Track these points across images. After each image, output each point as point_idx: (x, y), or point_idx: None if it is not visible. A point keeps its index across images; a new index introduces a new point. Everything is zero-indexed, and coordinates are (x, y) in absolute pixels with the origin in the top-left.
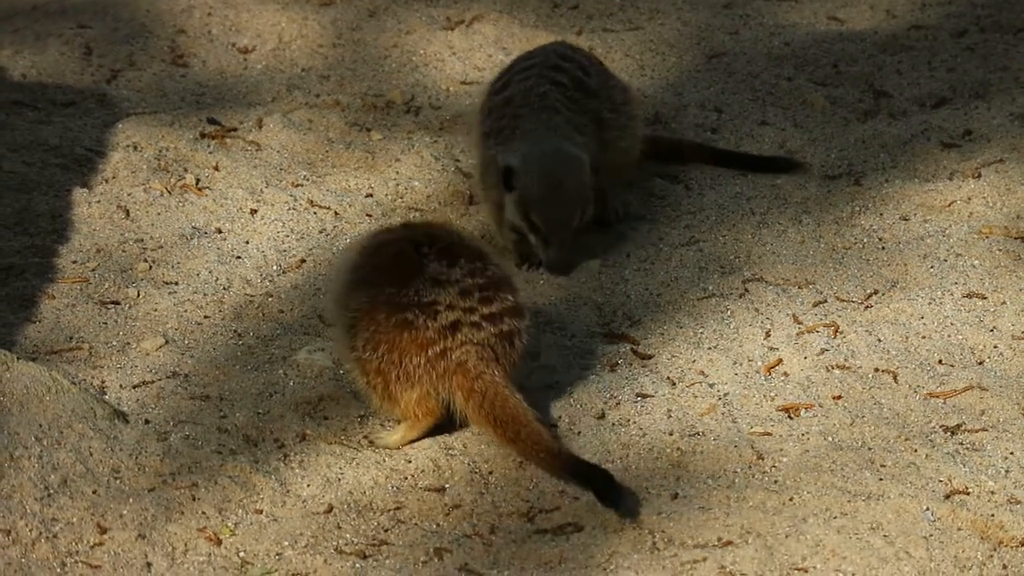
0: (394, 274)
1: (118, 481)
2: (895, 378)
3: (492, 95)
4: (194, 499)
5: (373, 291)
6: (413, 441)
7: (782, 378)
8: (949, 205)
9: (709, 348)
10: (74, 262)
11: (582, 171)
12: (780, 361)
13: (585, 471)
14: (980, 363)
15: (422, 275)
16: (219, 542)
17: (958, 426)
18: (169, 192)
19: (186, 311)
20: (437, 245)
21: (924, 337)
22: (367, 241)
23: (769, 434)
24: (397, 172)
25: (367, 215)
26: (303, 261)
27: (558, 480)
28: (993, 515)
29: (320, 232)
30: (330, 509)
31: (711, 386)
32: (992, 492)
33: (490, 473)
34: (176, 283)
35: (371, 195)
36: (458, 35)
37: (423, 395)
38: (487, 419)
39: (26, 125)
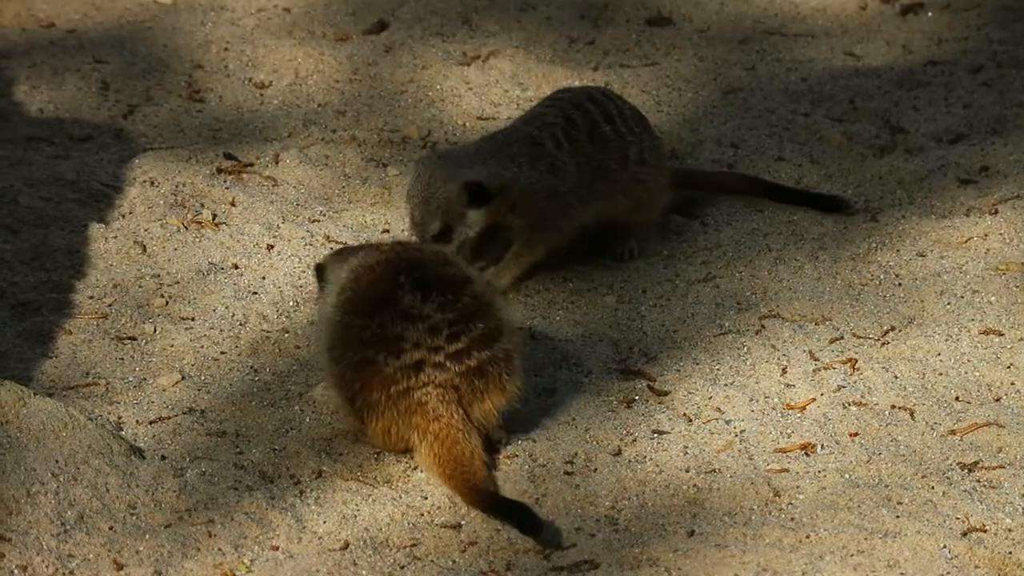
0: (367, 304)
1: (134, 517)
2: (912, 415)
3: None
4: (210, 536)
5: (348, 318)
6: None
7: (799, 415)
8: (966, 241)
9: (726, 385)
10: (91, 297)
11: (450, 192)
12: (797, 398)
13: (504, 507)
14: (997, 400)
15: (393, 308)
16: None
17: (975, 463)
18: (186, 227)
19: (202, 347)
20: (414, 274)
21: (941, 374)
22: (357, 259)
23: (786, 471)
24: None
25: None
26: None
27: (489, 519)
28: (1011, 553)
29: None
30: (346, 546)
31: (728, 423)
32: (1009, 530)
33: None
34: (193, 319)
35: (388, 231)
36: (474, 70)
37: (386, 427)
38: (433, 459)
39: (43, 160)
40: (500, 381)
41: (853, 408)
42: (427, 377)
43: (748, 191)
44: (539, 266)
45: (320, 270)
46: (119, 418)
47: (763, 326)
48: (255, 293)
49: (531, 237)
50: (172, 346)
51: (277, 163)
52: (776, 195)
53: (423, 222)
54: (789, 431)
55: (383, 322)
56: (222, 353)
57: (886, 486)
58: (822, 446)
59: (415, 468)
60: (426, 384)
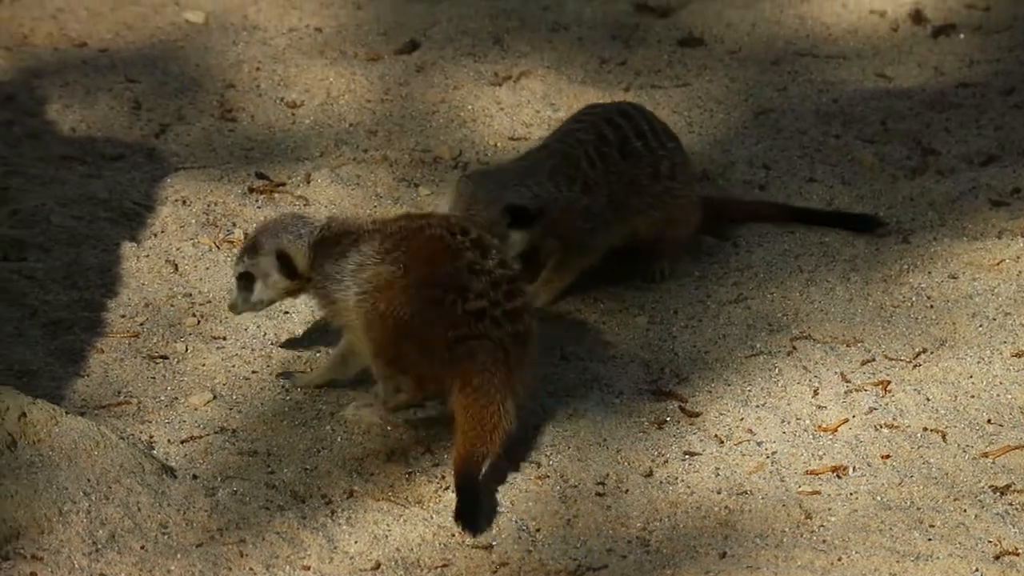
0: (429, 258)
1: (166, 536)
2: (944, 437)
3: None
4: (242, 555)
5: (404, 270)
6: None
7: (830, 437)
8: (998, 264)
9: (757, 406)
10: (123, 316)
11: (493, 214)
12: (828, 420)
13: (468, 492)
14: None
15: (458, 261)
16: None
17: (1007, 486)
18: (218, 247)
19: (234, 366)
20: (471, 235)
21: (973, 396)
22: (394, 227)
23: (817, 493)
24: None
25: None
26: None
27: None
28: None
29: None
30: (377, 566)
31: (759, 444)
32: None
33: (537, 530)
34: (224, 338)
35: None
36: (506, 91)
37: (428, 374)
38: (463, 411)
39: (75, 179)
40: (532, 353)
41: (885, 430)
42: (485, 328)
43: (778, 218)
44: (572, 287)
45: (285, 258)
46: (151, 437)
47: (794, 347)
48: (286, 312)
49: (567, 257)
50: (204, 365)
51: (309, 183)
52: (807, 218)
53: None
54: (821, 453)
55: (450, 272)
56: (253, 372)
57: (918, 509)
58: (854, 468)
59: (447, 488)
60: (483, 335)
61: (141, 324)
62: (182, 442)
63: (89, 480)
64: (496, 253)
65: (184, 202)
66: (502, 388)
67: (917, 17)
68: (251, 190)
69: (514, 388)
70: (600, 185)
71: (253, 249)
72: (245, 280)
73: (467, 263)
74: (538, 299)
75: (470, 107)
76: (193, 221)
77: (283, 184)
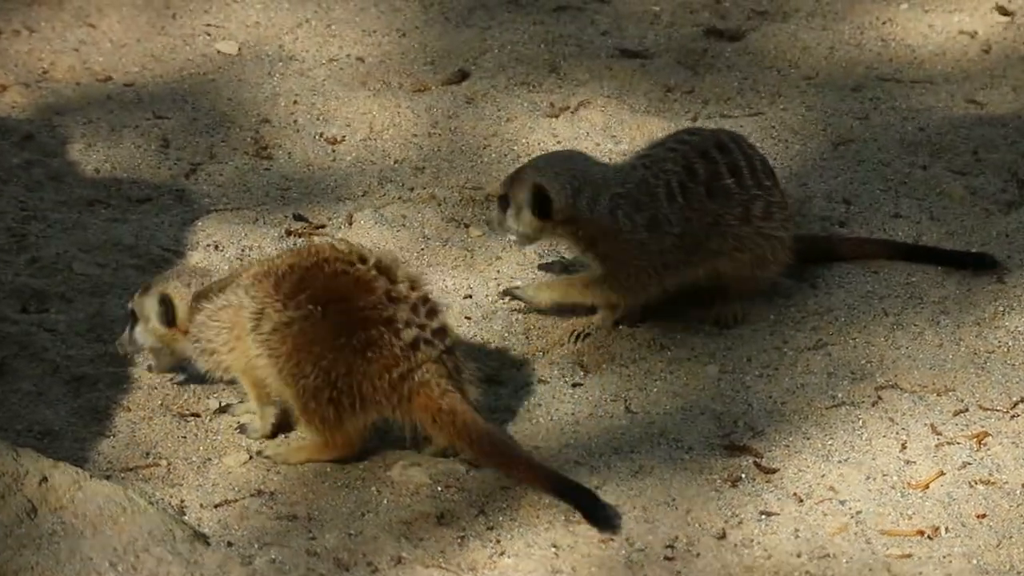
0: (341, 290)
1: None
2: None
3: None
4: None
5: (315, 314)
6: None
7: (920, 494)
8: None
9: (839, 461)
10: (151, 371)
11: (526, 181)
12: (918, 476)
13: (568, 489)
14: None
15: (373, 294)
16: None
17: None
18: None
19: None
20: (371, 260)
21: None
22: (282, 265)
23: (908, 556)
24: (498, 271)
25: (466, 318)
26: None
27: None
28: None
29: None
30: None
31: (842, 503)
32: None
33: None
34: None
35: (470, 296)
36: (563, 123)
37: (368, 424)
38: (458, 436)
39: (99, 223)
40: (462, 359)
41: (980, 487)
42: (425, 355)
43: (885, 255)
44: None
45: (167, 302)
46: (182, 501)
47: (880, 397)
48: None
49: (605, 285)
50: (239, 423)
51: (351, 224)
52: (917, 257)
53: (507, 176)
54: (910, 512)
55: (372, 305)
56: (292, 430)
57: (1018, 572)
58: (947, 529)
59: (502, 553)
60: (425, 361)
61: (171, 379)
62: (216, 506)
63: (115, 549)
64: (402, 275)
65: (216, 247)
66: (464, 397)
67: (1010, 38)
68: (288, 233)
69: (467, 395)
70: (672, 224)
71: (144, 288)
72: (132, 318)
73: (383, 292)
74: (541, 292)
75: (524, 140)
76: (226, 267)
77: (323, 226)
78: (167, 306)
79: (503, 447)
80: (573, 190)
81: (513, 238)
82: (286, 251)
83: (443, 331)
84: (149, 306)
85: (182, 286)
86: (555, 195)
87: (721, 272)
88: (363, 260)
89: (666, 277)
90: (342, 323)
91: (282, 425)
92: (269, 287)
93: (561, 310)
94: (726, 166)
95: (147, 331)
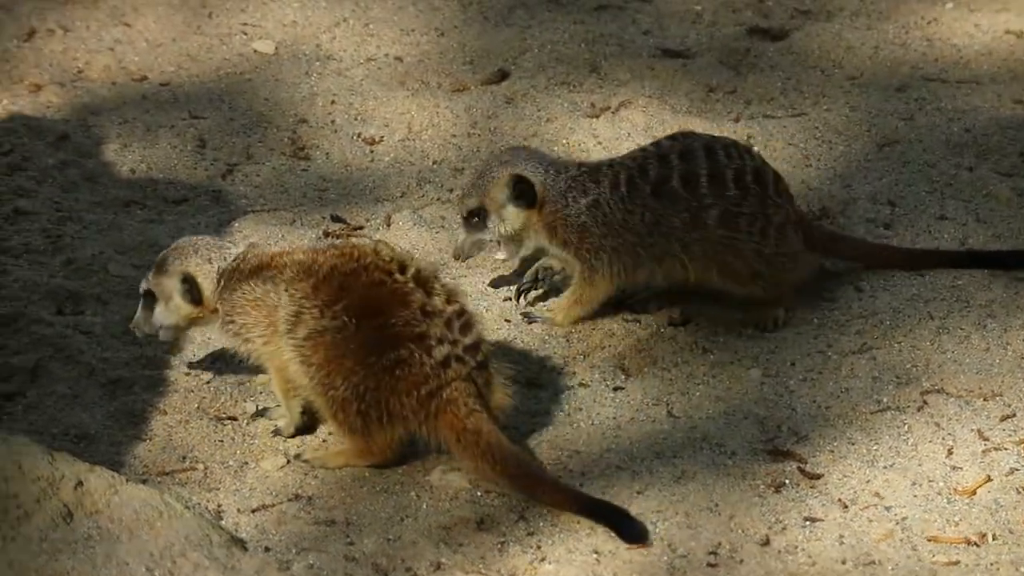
0: (376, 303)
1: None
2: None
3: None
4: None
5: (350, 324)
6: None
7: (967, 501)
8: None
9: (885, 467)
10: (187, 374)
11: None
12: (965, 482)
13: (597, 508)
14: None
15: (408, 308)
16: None
17: None
18: None
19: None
20: (409, 270)
21: None
22: (324, 267)
23: (955, 563)
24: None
25: (505, 320)
26: None
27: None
28: None
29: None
30: None
31: (887, 509)
32: None
33: None
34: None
35: (509, 298)
36: (604, 123)
37: (402, 436)
38: (482, 458)
39: (135, 225)
40: (496, 374)
41: None
42: (454, 372)
43: (948, 263)
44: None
45: (191, 280)
46: (219, 506)
47: (926, 402)
48: None
49: (583, 278)
50: (275, 426)
51: (389, 225)
52: (980, 262)
53: (464, 195)
54: (956, 519)
55: (406, 321)
56: (330, 434)
57: None
58: (994, 536)
59: (543, 559)
60: (454, 379)
61: (207, 382)
62: (253, 511)
63: (152, 554)
64: (439, 287)
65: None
66: (490, 417)
67: None
68: (326, 234)
69: (493, 415)
70: (612, 210)
71: (159, 268)
72: (148, 299)
73: (419, 306)
74: (555, 321)
75: (565, 141)
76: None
77: (361, 227)
78: (191, 284)
79: (527, 469)
80: (545, 172)
81: (501, 255)
82: (330, 247)
83: (475, 347)
84: (170, 285)
85: (204, 262)
86: (535, 179)
87: (686, 277)
88: (403, 270)
89: (626, 264)
90: (374, 339)
91: (313, 427)
92: (308, 289)
93: (600, 313)
94: (680, 171)
95: (169, 311)
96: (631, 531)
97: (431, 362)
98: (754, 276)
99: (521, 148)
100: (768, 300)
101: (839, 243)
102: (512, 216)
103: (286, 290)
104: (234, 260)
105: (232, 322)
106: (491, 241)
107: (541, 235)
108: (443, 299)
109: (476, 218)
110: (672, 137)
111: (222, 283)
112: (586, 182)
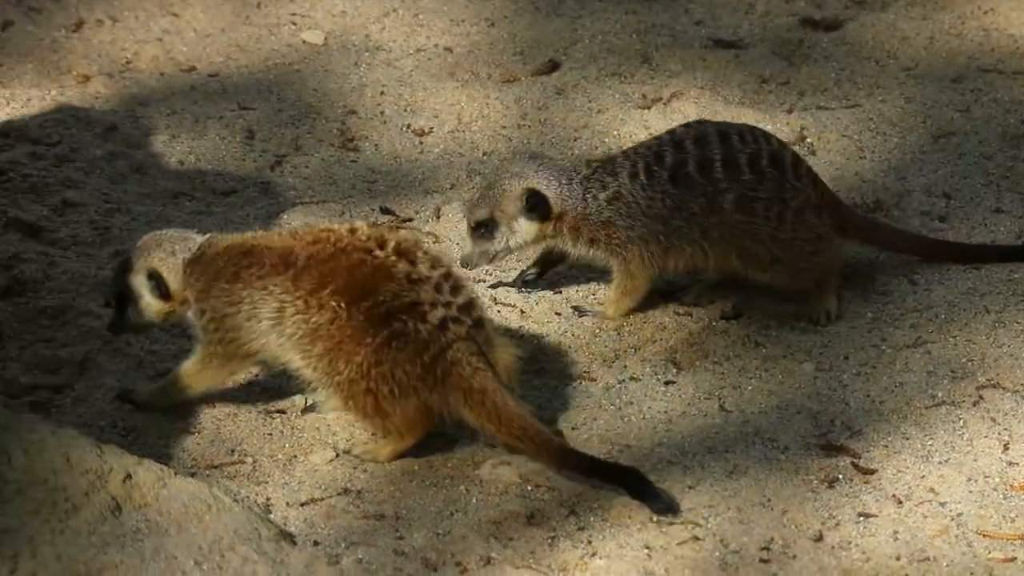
0: (364, 285)
1: None
2: None
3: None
4: None
5: (343, 305)
6: (402, 455)
7: (1023, 497)
8: None
9: (940, 462)
10: None
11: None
12: (1021, 477)
13: (610, 471)
14: None
15: (393, 281)
16: None
17: None
18: None
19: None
20: (389, 244)
21: None
22: (302, 255)
23: (1011, 560)
24: (588, 265)
25: (556, 314)
26: None
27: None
28: None
29: (504, 332)
30: None
31: (943, 505)
32: None
33: None
34: None
35: (559, 291)
36: (655, 114)
37: (419, 405)
38: (488, 416)
39: (184, 216)
40: (491, 335)
41: None
42: (454, 333)
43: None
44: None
45: (156, 276)
46: (268, 499)
47: (981, 397)
48: None
49: (625, 267)
50: (325, 420)
51: (439, 218)
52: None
53: (474, 205)
54: (1013, 515)
55: (394, 293)
56: None
57: None
58: None
59: (593, 554)
60: (455, 340)
61: (256, 375)
62: (302, 505)
63: (200, 548)
64: (422, 255)
65: None
66: (495, 376)
67: None
68: (376, 225)
69: (496, 371)
70: (635, 198)
71: (126, 268)
72: (122, 299)
73: (404, 276)
74: (606, 315)
75: (616, 132)
76: None
77: (410, 219)
78: (157, 280)
79: (533, 430)
80: (559, 183)
81: (515, 243)
82: (300, 233)
83: (469, 306)
84: (139, 283)
85: (167, 255)
86: (549, 192)
87: (707, 264)
88: (382, 245)
89: (655, 251)
90: (367, 320)
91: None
92: (288, 282)
93: (651, 306)
94: (695, 157)
95: (144, 309)
96: (648, 493)
97: (427, 328)
98: (773, 261)
99: (532, 157)
100: (804, 288)
101: (876, 231)
102: (524, 228)
103: (267, 283)
104: (198, 249)
105: (209, 317)
106: (498, 252)
107: (566, 241)
108: (428, 265)
109: (484, 229)
110: (687, 124)
111: (189, 273)
112: (603, 177)
